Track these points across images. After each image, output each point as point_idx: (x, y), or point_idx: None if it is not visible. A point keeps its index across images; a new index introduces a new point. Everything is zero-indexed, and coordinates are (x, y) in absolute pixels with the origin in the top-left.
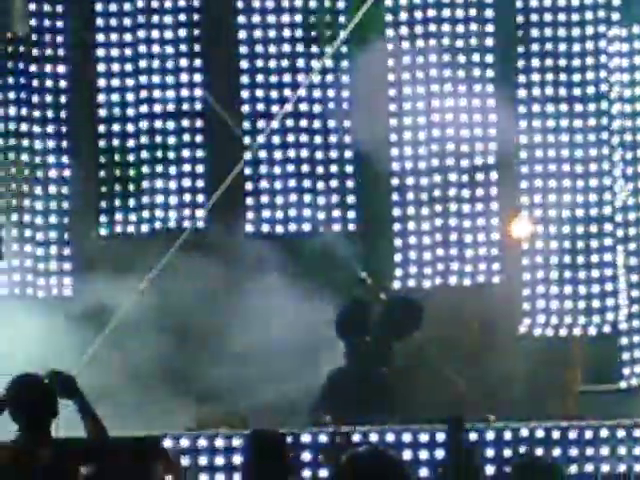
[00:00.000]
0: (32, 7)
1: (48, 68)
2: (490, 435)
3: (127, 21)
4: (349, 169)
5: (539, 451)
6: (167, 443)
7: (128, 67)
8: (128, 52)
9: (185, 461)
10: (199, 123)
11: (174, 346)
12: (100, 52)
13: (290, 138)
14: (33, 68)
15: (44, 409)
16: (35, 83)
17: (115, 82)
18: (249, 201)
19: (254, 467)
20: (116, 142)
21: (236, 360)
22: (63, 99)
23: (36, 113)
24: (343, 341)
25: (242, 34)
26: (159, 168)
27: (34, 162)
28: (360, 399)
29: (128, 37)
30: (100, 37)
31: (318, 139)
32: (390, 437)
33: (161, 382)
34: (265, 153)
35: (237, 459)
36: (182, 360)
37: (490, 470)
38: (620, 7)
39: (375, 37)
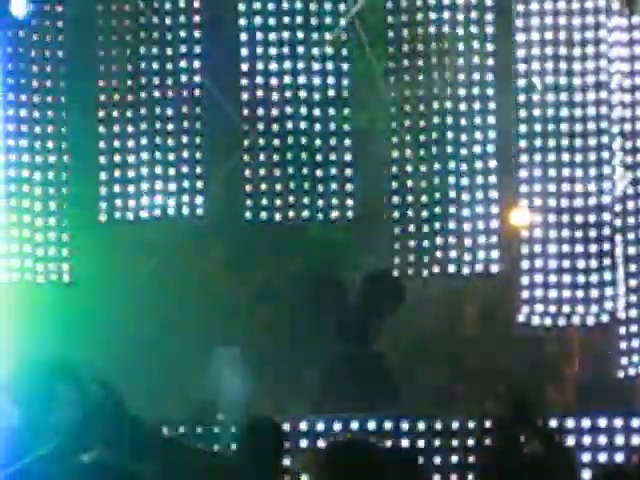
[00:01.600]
0: None
1: (47, 53)
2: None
3: (126, 7)
4: (348, 157)
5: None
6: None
7: (128, 52)
8: (128, 38)
9: None
10: (198, 110)
11: (169, 331)
12: (100, 38)
13: (289, 125)
14: (32, 53)
15: None
16: (34, 69)
17: (115, 68)
18: (248, 188)
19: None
20: (116, 128)
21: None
22: (62, 84)
23: (35, 99)
24: (324, 320)
25: (242, 21)
26: (158, 154)
27: (33, 148)
28: (358, 384)
29: (127, 23)
30: (99, 22)
31: (317, 126)
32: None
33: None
34: (264, 140)
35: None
36: (177, 344)
37: None
38: None
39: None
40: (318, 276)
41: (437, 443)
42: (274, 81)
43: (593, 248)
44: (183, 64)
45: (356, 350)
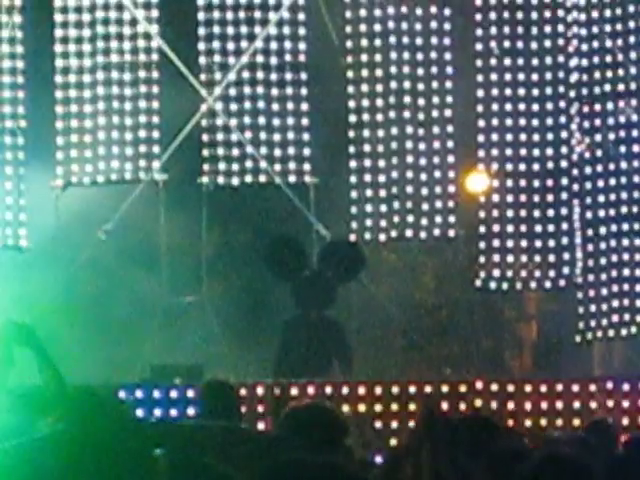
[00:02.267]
0: None
1: (4, 19)
2: (444, 388)
3: None
4: (305, 121)
5: (494, 404)
6: (121, 394)
7: (86, 18)
8: (86, 2)
9: (140, 412)
10: (155, 74)
11: (127, 295)
12: (57, 2)
13: (247, 90)
14: None
15: None
16: None
17: (72, 33)
18: (205, 153)
19: (207, 418)
20: (73, 93)
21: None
22: (19, 50)
23: None
24: (282, 279)
25: None
26: (116, 119)
27: None
28: (314, 349)
29: None
30: None
31: (274, 91)
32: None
33: (116, 332)
34: (222, 105)
35: (192, 411)
36: (135, 309)
37: None
38: None
39: None
40: (275, 240)
41: (394, 408)
42: (231, 46)
43: (551, 213)
44: (141, 29)
45: (313, 316)
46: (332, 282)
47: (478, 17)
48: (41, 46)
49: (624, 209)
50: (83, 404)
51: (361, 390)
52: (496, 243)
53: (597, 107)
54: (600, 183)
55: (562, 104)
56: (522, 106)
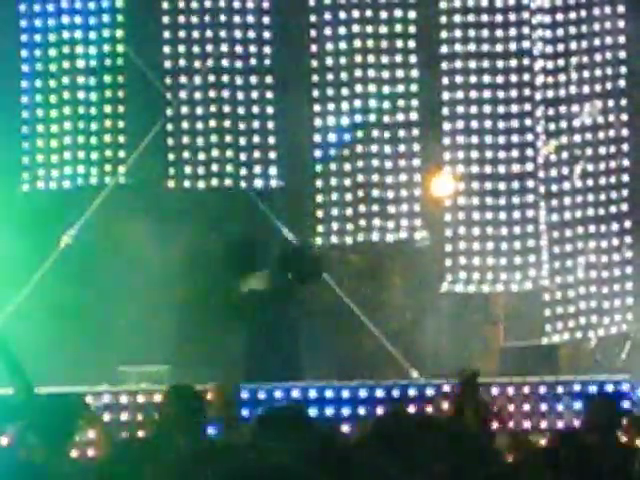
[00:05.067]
0: None
1: None
2: (412, 392)
3: None
4: (271, 125)
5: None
6: (88, 399)
7: (51, 22)
8: (51, 7)
9: (107, 417)
10: (121, 79)
11: (96, 300)
12: (22, 7)
13: (212, 94)
14: None
15: None
16: None
17: (38, 37)
18: (170, 157)
19: (173, 422)
20: (39, 98)
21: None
22: None
23: None
24: (241, 282)
25: None
26: (81, 124)
27: None
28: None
29: None
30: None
31: (240, 95)
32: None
33: (83, 335)
34: (187, 109)
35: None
36: (103, 313)
37: None
38: None
39: None
40: (234, 240)
41: (362, 412)
42: (196, 49)
43: (517, 215)
44: (106, 34)
45: (277, 319)
46: (292, 283)
47: (443, 19)
48: (6, 51)
49: (590, 211)
50: (51, 411)
51: (328, 393)
52: (462, 246)
53: (562, 109)
54: (566, 185)
55: (527, 107)
56: (488, 108)
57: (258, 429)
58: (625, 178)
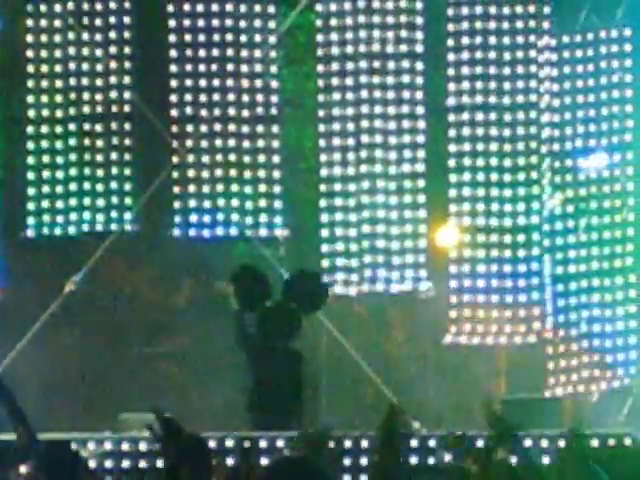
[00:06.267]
0: None
1: None
2: (414, 442)
3: (57, 23)
4: (277, 174)
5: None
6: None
7: (57, 69)
8: (58, 54)
9: (108, 464)
10: (127, 126)
11: (101, 347)
12: (29, 53)
13: (218, 142)
14: None
15: None
16: None
17: (44, 83)
18: (177, 205)
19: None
20: (45, 144)
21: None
22: None
23: None
24: (246, 316)
25: (172, 37)
26: (87, 170)
27: None
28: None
29: (57, 38)
30: (29, 38)
31: (246, 143)
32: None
33: (87, 382)
34: (193, 157)
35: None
36: (107, 361)
37: None
38: (550, 16)
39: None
40: (240, 271)
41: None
42: (203, 98)
43: (522, 268)
44: (113, 80)
45: (278, 346)
46: (296, 313)
47: (451, 72)
48: (14, 96)
49: (595, 265)
50: (53, 457)
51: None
52: (467, 298)
53: (568, 163)
54: (571, 239)
55: (534, 159)
56: (494, 161)
57: None
58: (630, 232)
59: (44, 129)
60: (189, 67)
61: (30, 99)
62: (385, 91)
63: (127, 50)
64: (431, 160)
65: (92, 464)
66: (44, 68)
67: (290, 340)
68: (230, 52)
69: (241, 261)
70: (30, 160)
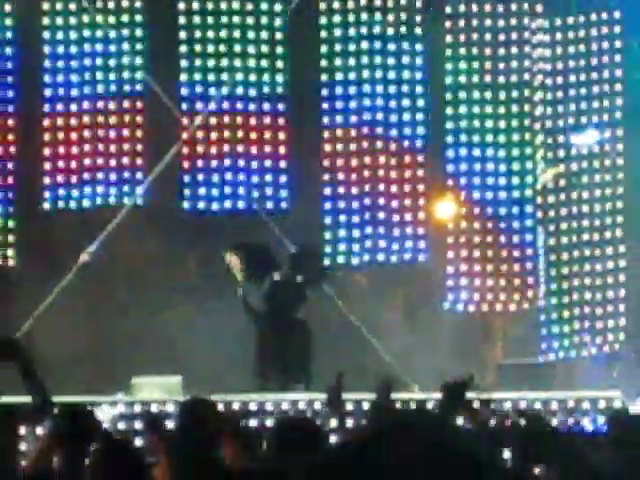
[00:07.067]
0: None
1: None
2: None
3: (72, 5)
4: (282, 150)
5: None
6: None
7: (73, 49)
8: (73, 35)
9: (121, 425)
10: (139, 104)
11: (114, 315)
12: (46, 35)
13: (226, 119)
14: None
15: None
16: None
17: (60, 64)
18: (186, 179)
19: (186, 433)
20: (60, 121)
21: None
22: (9, 79)
23: None
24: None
25: (182, 19)
26: (101, 146)
27: None
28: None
29: (73, 21)
30: (46, 20)
31: (253, 121)
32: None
33: (103, 347)
34: (202, 133)
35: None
36: (120, 328)
37: None
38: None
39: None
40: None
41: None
42: (212, 77)
43: (516, 238)
44: (126, 61)
45: (284, 332)
46: (302, 286)
47: (448, 52)
48: (31, 76)
49: (585, 236)
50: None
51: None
52: (463, 267)
53: (560, 139)
54: (563, 211)
55: (527, 136)
56: (490, 137)
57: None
58: (619, 205)
59: (59, 106)
60: (198, 47)
61: (47, 78)
62: (385, 71)
63: (139, 32)
64: (429, 137)
65: (106, 425)
66: (60, 49)
67: (296, 311)
68: (237, 34)
69: (248, 234)
70: (46, 136)
